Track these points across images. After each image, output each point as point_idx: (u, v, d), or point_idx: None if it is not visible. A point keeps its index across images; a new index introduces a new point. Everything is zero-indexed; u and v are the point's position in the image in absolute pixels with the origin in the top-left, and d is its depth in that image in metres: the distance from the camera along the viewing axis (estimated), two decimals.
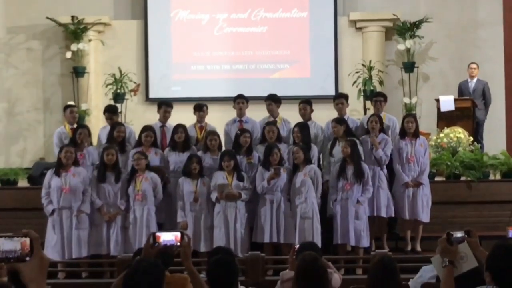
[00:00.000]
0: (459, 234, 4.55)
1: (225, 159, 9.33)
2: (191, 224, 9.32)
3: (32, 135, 14.87)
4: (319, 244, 8.91)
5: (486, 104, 13.03)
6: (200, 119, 10.42)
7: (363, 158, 9.58)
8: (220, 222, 9.27)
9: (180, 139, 9.81)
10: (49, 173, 9.45)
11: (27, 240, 2.63)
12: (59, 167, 9.32)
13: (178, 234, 4.53)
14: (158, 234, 4.54)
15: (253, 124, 10.43)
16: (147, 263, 4.29)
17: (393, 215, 9.86)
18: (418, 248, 9.81)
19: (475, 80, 13.10)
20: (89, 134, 10.08)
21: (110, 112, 10.57)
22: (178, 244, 4.50)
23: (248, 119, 10.50)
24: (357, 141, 9.68)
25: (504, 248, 4.19)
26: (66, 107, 10.98)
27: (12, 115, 14.89)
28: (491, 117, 13.37)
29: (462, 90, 13.06)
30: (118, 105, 13.58)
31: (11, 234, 2.65)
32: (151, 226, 9.16)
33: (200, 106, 10.47)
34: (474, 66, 13.18)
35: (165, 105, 10.55)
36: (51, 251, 9.12)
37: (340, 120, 9.87)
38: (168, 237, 4.52)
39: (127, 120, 13.79)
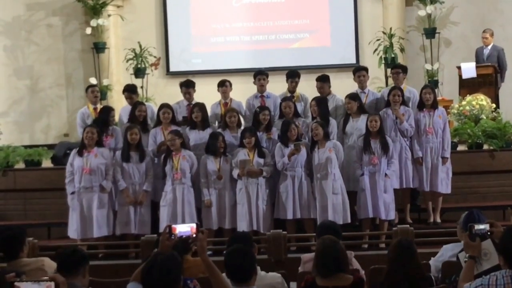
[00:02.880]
0: (481, 226, 4.53)
1: (246, 136, 9.29)
2: (215, 201, 9.35)
3: (55, 111, 15.00)
4: (349, 219, 9.07)
5: (502, 70, 12.71)
6: (224, 96, 10.40)
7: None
8: (242, 198, 9.26)
9: (197, 118, 9.75)
10: (73, 153, 9.53)
11: (52, 284, 2.63)
12: (83, 147, 9.39)
13: (194, 225, 4.58)
14: (174, 226, 4.59)
15: (275, 99, 10.36)
16: (164, 257, 4.33)
17: (417, 187, 9.82)
18: (438, 219, 9.75)
19: (490, 46, 12.83)
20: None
21: (129, 91, 10.52)
22: (194, 235, 4.55)
23: (269, 94, 10.44)
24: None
25: None
26: (88, 87, 10.99)
27: (35, 92, 15.00)
28: None
29: (478, 56, 12.83)
30: (139, 80, 13.67)
31: (37, 278, 2.65)
32: (191, 203, 9.27)
33: (222, 82, 10.43)
34: (486, 35, 12.86)
35: (184, 86, 10.47)
36: (74, 231, 9.26)
37: (353, 96, 9.75)
38: (183, 229, 4.58)
39: (148, 95, 13.84)
